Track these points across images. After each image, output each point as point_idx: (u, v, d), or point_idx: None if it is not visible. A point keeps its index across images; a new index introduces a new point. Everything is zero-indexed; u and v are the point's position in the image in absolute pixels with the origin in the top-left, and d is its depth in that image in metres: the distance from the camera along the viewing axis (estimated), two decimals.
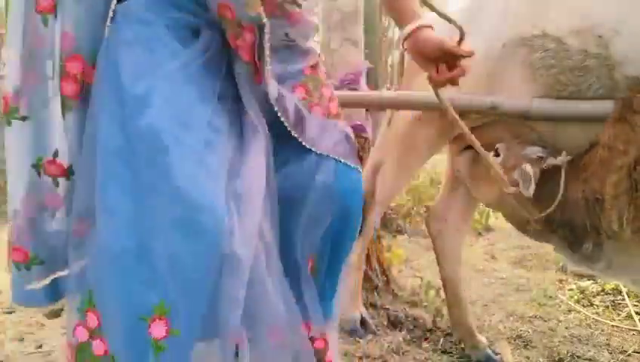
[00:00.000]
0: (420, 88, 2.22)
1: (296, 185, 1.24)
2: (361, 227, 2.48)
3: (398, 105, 2.27)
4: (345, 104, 2.47)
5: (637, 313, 2.99)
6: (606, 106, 1.69)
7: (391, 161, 2.40)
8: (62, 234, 1.15)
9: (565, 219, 1.73)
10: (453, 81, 1.39)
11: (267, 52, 1.13)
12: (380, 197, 2.45)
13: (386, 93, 2.42)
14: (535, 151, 1.77)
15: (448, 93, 2.11)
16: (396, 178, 2.43)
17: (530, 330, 2.75)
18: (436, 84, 1.44)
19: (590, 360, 2.44)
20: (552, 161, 1.72)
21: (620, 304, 3.19)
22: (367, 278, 2.80)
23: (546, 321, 2.91)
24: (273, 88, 1.18)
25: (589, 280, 3.67)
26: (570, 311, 3.11)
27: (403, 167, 2.40)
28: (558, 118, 1.80)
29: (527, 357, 2.43)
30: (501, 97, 1.92)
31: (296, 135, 1.23)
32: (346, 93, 2.54)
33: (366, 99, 2.47)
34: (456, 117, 1.52)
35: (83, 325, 1.05)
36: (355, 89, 2.84)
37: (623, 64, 1.65)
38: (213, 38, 1.14)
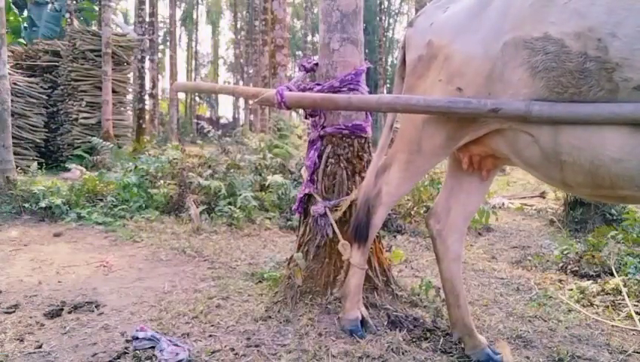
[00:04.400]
0: (425, 93, 2.22)
1: None
2: (367, 229, 2.49)
3: (397, 110, 2.26)
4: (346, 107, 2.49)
5: (637, 313, 2.99)
6: (607, 109, 1.69)
7: (398, 164, 2.40)
8: None
9: None
10: None
11: None
12: (386, 198, 2.45)
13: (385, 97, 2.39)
14: None
15: (449, 95, 2.12)
16: (403, 181, 2.43)
17: (530, 330, 2.75)
18: None
19: (590, 360, 2.44)
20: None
21: (620, 304, 3.19)
22: (367, 278, 2.80)
23: (546, 321, 2.91)
24: None
25: (588, 280, 3.68)
26: (570, 311, 3.11)
27: (410, 171, 2.40)
28: (559, 121, 1.80)
29: (527, 357, 2.43)
30: (501, 100, 1.93)
31: None
32: (346, 96, 2.52)
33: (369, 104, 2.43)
34: None
35: None
36: (355, 89, 2.85)
37: (622, 67, 1.65)
38: None
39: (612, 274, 3.65)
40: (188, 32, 40.90)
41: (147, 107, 18.62)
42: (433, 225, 2.49)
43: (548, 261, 4.27)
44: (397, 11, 38.67)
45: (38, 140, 10.93)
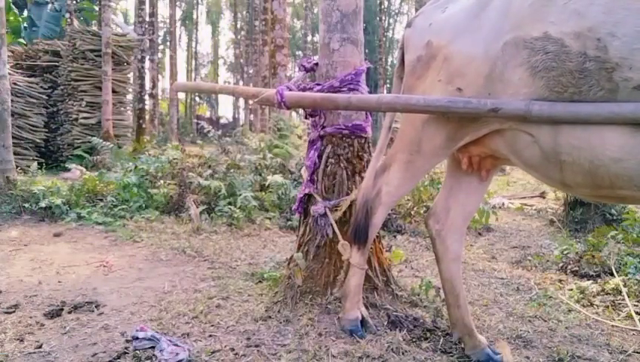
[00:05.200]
0: (424, 93, 2.21)
1: None
2: (367, 231, 2.49)
3: (397, 109, 2.26)
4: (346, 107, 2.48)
5: (637, 313, 2.99)
6: (607, 109, 1.69)
7: (398, 165, 2.39)
8: None
9: None
10: None
11: None
12: (386, 198, 2.45)
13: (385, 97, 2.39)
14: None
15: (449, 95, 2.12)
16: (403, 182, 2.42)
17: (530, 330, 2.75)
18: None
19: (590, 360, 2.44)
20: None
21: (620, 304, 3.19)
22: (367, 278, 2.80)
23: (546, 321, 2.91)
24: None
25: (588, 280, 3.68)
26: (570, 311, 3.11)
27: (410, 172, 2.39)
28: (558, 120, 1.80)
29: (527, 357, 2.43)
30: (501, 100, 1.93)
31: None
32: (346, 96, 2.52)
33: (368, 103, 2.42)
34: None
35: None
36: (355, 89, 2.85)
37: (621, 67, 1.65)
38: None
39: (612, 274, 3.65)
40: (188, 32, 40.93)
41: (147, 107, 18.63)
42: (432, 225, 2.49)
43: (548, 261, 4.27)
44: (397, 11, 38.68)
45: (38, 140, 10.93)
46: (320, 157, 2.98)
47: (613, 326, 2.87)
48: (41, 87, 11.35)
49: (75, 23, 13.83)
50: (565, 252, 4.22)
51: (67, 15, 15.60)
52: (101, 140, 9.28)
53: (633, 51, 1.62)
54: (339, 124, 2.92)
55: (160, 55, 32.09)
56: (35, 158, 10.28)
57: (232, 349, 2.37)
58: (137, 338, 2.39)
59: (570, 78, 1.76)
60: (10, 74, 8.09)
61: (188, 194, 5.79)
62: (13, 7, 15.80)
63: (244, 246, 4.63)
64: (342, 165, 2.94)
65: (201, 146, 8.09)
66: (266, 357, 2.31)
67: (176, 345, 2.34)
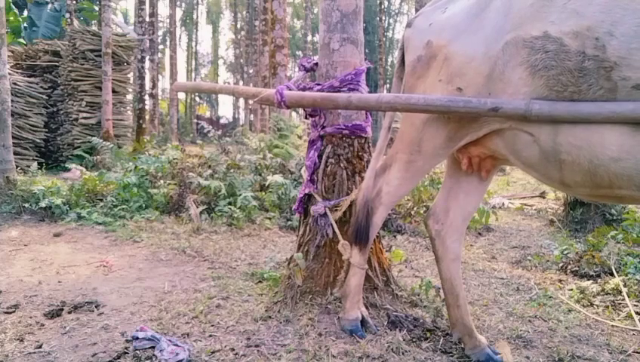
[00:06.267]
0: (424, 93, 2.21)
1: None
2: (367, 231, 2.49)
3: (397, 109, 2.26)
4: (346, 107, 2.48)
5: (637, 313, 2.99)
6: (607, 108, 1.69)
7: (398, 165, 2.39)
8: None
9: None
10: None
11: None
12: (386, 198, 2.45)
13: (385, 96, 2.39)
14: None
15: (449, 95, 2.12)
16: (403, 182, 2.42)
17: (530, 330, 2.75)
18: None
19: (590, 360, 2.44)
20: None
21: (620, 304, 3.19)
22: (367, 278, 2.80)
23: (546, 321, 2.91)
24: None
25: (588, 280, 3.68)
26: (570, 311, 3.11)
27: (410, 172, 2.39)
28: (558, 119, 1.80)
29: (527, 357, 2.43)
30: (501, 99, 1.93)
31: None
32: (345, 95, 2.52)
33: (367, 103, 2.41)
34: None
35: None
36: (355, 89, 2.84)
37: (620, 66, 1.66)
38: None
39: (612, 274, 3.65)
40: (188, 32, 40.94)
41: (147, 107, 18.62)
42: (432, 226, 2.49)
43: (548, 261, 4.27)
44: (397, 11, 38.67)
45: (38, 140, 10.93)
46: (320, 157, 2.98)
47: (613, 326, 2.87)
48: (41, 87, 11.34)
49: (75, 23, 13.81)
50: (565, 252, 4.22)
51: (67, 15, 15.58)
52: (101, 140, 9.28)
53: (631, 50, 1.62)
54: (339, 124, 2.92)
55: (160, 55, 32.09)
56: (35, 158, 10.28)
57: (232, 349, 2.37)
58: (137, 338, 2.40)
59: (569, 76, 1.76)
60: (10, 74, 8.10)
61: (188, 194, 5.79)
62: (13, 7, 15.80)
63: (244, 246, 4.63)
64: (342, 165, 2.94)
65: (201, 146, 8.09)
66: (266, 357, 2.31)
67: (176, 345, 2.34)
